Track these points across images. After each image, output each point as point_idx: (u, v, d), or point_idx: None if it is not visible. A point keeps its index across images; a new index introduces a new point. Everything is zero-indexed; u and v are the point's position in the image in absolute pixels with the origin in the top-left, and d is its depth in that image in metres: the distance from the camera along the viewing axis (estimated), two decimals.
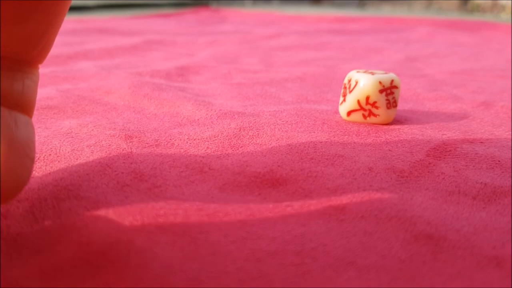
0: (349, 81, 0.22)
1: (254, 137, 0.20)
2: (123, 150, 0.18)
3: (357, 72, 0.22)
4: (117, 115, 0.24)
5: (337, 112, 0.24)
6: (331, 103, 0.27)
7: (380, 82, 0.21)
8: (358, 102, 0.22)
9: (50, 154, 0.18)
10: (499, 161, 0.18)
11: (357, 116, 0.22)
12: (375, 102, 0.22)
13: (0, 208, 0.13)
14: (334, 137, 0.20)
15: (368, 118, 0.22)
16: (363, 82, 0.22)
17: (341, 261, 0.12)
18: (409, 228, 0.13)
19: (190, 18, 0.90)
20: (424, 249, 0.12)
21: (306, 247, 0.12)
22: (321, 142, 0.19)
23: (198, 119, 0.23)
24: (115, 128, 0.21)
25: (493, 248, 0.12)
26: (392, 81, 0.22)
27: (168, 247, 0.12)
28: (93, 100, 0.26)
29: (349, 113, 0.22)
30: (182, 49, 0.49)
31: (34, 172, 0.17)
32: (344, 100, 0.22)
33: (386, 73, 0.22)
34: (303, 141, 0.19)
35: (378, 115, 0.22)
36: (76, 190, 0.15)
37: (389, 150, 0.19)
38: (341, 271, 0.11)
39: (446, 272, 0.11)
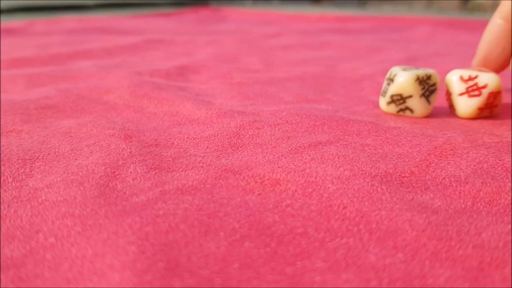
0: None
1: (254, 136, 0.20)
2: (122, 150, 0.18)
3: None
4: (117, 115, 0.24)
5: (337, 111, 0.24)
6: (331, 103, 0.27)
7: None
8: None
9: (49, 154, 0.18)
10: (499, 160, 0.17)
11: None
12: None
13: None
14: (334, 137, 0.20)
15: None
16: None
17: (342, 261, 0.11)
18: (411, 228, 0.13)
19: (190, 17, 0.90)
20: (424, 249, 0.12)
21: (306, 247, 0.12)
22: (321, 142, 0.19)
23: (198, 118, 0.23)
24: (114, 128, 0.21)
25: (495, 250, 0.12)
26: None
27: (168, 248, 0.12)
28: (93, 99, 0.26)
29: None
30: (182, 48, 0.48)
31: (33, 172, 0.17)
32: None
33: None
34: (303, 141, 0.19)
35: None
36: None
37: (390, 150, 0.19)
38: (341, 271, 0.11)
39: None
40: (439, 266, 0.11)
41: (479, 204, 0.14)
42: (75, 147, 0.19)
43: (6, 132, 0.21)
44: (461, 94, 0.23)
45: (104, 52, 0.44)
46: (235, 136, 0.20)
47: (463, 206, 0.14)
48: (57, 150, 0.19)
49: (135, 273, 0.11)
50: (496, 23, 0.25)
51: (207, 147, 0.19)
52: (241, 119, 0.22)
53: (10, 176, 0.16)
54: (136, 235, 0.12)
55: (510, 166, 0.17)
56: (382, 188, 0.15)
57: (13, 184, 0.16)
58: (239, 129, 0.21)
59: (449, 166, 0.17)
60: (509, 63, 0.25)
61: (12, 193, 0.15)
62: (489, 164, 0.17)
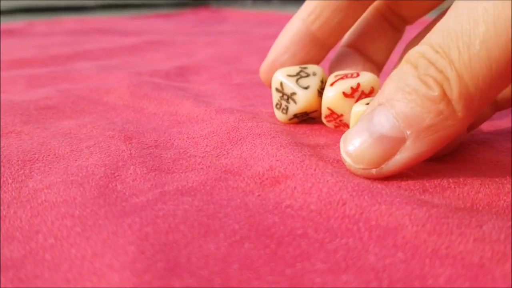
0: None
1: (253, 127, 0.20)
2: (122, 151, 0.18)
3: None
4: (116, 115, 0.24)
5: None
6: None
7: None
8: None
9: (48, 155, 0.18)
10: (498, 160, 0.17)
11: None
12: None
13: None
14: (332, 140, 0.20)
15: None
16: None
17: (342, 262, 0.11)
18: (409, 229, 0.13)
19: (189, 18, 0.90)
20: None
21: (306, 248, 0.12)
22: (319, 145, 0.19)
23: (197, 116, 0.23)
24: (114, 129, 0.21)
25: (496, 243, 0.12)
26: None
27: (168, 248, 0.12)
28: (92, 100, 0.26)
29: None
30: (181, 49, 0.48)
31: (32, 173, 0.17)
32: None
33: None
34: (301, 140, 0.19)
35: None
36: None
37: None
38: (341, 272, 0.11)
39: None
40: (439, 265, 0.11)
41: (478, 205, 0.14)
42: (74, 148, 0.19)
43: (6, 133, 0.21)
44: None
45: (104, 52, 0.44)
46: (233, 129, 0.20)
47: (462, 206, 0.14)
48: (57, 151, 0.19)
49: (135, 273, 0.11)
50: (292, 23, 0.21)
51: (206, 145, 0.19)
52: (240, 114, 0.22)
53: (9, 177, 0.16)
54: (135, 235, 0.12)
55: (510, 167, 0.17)
56: (381, 185, 0.15)
57: (13, 185, 0.16)
58: (238, 123, 0.20)
59: (448, 167, 0.17)
60: None
61: (12, 194, 0.15)
62: (488, 165, 0.17)
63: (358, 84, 0.19)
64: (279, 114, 0.21)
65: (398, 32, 0.23)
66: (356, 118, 0.18)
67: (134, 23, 0.76)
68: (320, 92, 0.20)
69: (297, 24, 0.21)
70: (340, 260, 0.12)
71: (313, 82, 0.20)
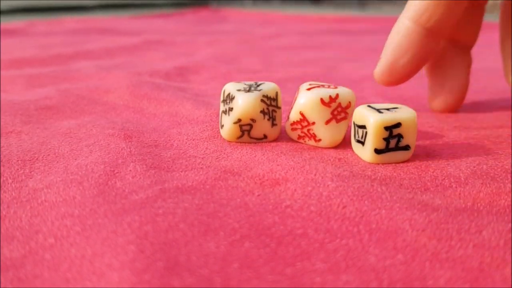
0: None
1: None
2: (122, 149, 0.18)
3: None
4: (116, 115, 0.24)
5: None
6: None
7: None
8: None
9: (48, 154, 0.18)
10: (499, 162, 0.17)
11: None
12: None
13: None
14: None
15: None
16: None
17: (342, 262, 0.11)
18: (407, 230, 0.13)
19: (189, 18, 0.90)
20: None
21: (306, 248, 0.12)
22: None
23: (197, 118, 0.23)
24: (114, 128, 0.21)
25: (496, 249, 0.12)
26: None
27: (168, 247, 0.12)
28: (92, 100, 0.26)
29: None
30: (181, 49, 0.48)
31: (32, 173, 0.17)
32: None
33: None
34: (303, 145, 0.19)
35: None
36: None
37: None
38: (341, 272, 0.11)
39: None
40: (439, 267, 0.11)
41: (479, 204, 0.14)
42: (74, 147, 0.19)
43: (6, 133, 0.21)
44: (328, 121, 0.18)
45: (104, 52, 0.44)
46: None
47: (463, 205, 0.14)
48: (56, 150, 0.19)
49: (134, 272, 0.11)
50: (402, 26, 0.21)
51: (206, 148, 0.19)
52: None
53: (10, 177, 0.16)
54: (135, 234, 0.12)
55: (510, 167, 0.17)
56: (382, 188, 0.15)
57: (13, 185, 0.16)
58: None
59: (449, 167, 0.17)
60: (414, 73, 0.22)
61: (12, 194, 0.15)
62: (489, 165, 0.17)
63: (337, 95, 0.18)
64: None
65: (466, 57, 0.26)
66: (356, 118, 0.18)
67: (134, 23, 0.76)
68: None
69: (409, 25, 0.21)
70: (340, 260, 0.12)
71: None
